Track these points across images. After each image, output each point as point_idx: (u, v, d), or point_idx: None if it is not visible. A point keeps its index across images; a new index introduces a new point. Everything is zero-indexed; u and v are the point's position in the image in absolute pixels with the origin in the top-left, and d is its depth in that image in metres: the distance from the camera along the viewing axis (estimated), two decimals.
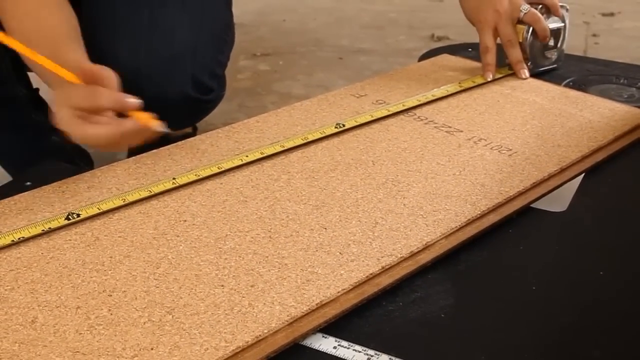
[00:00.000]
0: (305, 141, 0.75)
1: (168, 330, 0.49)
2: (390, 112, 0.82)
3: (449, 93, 0.87)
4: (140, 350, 0.47)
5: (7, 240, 0.58)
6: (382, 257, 0.56)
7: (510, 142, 0.75)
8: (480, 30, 0.94)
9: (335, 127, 0.77)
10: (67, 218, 0.61)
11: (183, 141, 0.76)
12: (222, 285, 0.53)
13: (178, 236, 0.59)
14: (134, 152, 0.96)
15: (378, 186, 0.67)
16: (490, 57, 0.93)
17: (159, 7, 0.94)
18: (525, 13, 0.92)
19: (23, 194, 0.66)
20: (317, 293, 0.52)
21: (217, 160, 0.71)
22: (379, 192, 0.66)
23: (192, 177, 0.67)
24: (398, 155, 0.73)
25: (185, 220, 0.62)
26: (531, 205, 0.66)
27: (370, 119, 0.80)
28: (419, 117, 0.81)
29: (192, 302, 0.51)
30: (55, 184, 0.68)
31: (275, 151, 0.73)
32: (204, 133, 0.78)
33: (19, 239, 0.59)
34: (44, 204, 0.64)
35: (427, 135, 0.77)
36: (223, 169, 0.69)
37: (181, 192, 0.66)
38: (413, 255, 0.57)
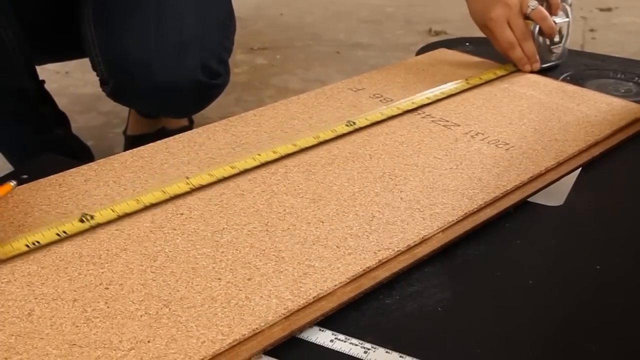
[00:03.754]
0: (317, 140, 0.73)
1: (165, 323, 0.49)
2: (401, 111, 0.80)
3: (458, 91, 0.86)
4: (137, 343, 0.47)
5: (21, 244, 0.56)
6: (379, 250, 0.56)
7: (508, 136, 0.75)
8: (496, 28, 0.92)
9: (347, 125, 0.76)
10: (81, 220, 0.59)
11: (180, 134, 0.76)
12: (219, 279, 0.53)
13: (175, 229, 0.59)
14: (130, 146, 0.97)
15: (375, 180, 0.67)
16: (519, 51, 0.92)
17: None
18: (533, 9, 0.91)
19: (20, 186, 0.66)
20: (314, 286, 0.52)
21: (213, 154, 0.71)
22: (376, 185, 0.66)
23: (208, 179, 0.66)
24: (395, 149, 0.73)
25: (182, 214, 0.62)
26: (528, 200, 0.66)
27: (381, 117, 0.78)
28: (416, 111, 0.81)
29: (189, 295, 0.51)
30: (52, 176, 0.68)
31: (290, 151, 0.71)
32: (201, 126, 0.78)
33: (33, 243, 0.57)
34: (41, 197, 0.64)
35: (424, 129, 0.77)
36: (238, 170, 0.67)
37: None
38: (410, 248, 0.58)
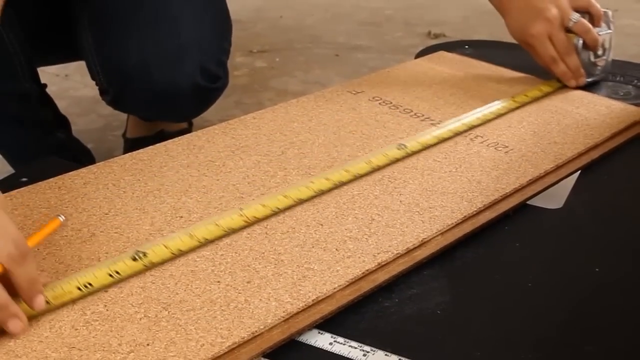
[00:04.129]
0: (371, 167, 0.69)
1: (164, 326, 0.49)
2: (453, 133, 0.76)
3: (506, 110, 0.82)
4: (136, 346, 0.47)
5: (72, 287, 0.52)
6: (378, 253, 0.56)
7: (507, 139, 0.76)
8: (537, 44, 0.88)
9: (398, 149, 0.72)
10: (134, 258, 0.55)
11: (179, 137, 0.76)
12: (218, 282, 0.53)
13: (174, 232, 0.59)
14: (130, 148, 0.97)
15: (374, 182, 0.67)
16: (562, 66, 0.88)
17: (162, 0, 0.95)
18: (575, 22, 0.87)
19: (20, 189, 0.66)
20: (313, 289, 0.52)
21: (213, 157, 0.71)
22: (375, 188, 0.66)
23: (262, 211, 0.61)
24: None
25: (182, 217, 0.62)
26: (527, 202, 0.66)
27: (435, 141, 0.74)
28: (415, 114, 0.81)
29: (188, 298, 0.51)
30: (52, 179, 0.68)
31: (343, 179, 0.66)
32: (200, 129, 0.78)
33: (85, 285, 0.52)
34: (40, 200, 0.64)
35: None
36: (293, 200, 0.63)
37: (177, 189, 0.66)
38: (409, 251, 0.58)
